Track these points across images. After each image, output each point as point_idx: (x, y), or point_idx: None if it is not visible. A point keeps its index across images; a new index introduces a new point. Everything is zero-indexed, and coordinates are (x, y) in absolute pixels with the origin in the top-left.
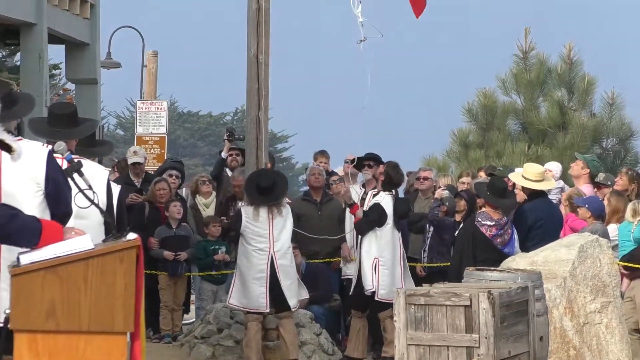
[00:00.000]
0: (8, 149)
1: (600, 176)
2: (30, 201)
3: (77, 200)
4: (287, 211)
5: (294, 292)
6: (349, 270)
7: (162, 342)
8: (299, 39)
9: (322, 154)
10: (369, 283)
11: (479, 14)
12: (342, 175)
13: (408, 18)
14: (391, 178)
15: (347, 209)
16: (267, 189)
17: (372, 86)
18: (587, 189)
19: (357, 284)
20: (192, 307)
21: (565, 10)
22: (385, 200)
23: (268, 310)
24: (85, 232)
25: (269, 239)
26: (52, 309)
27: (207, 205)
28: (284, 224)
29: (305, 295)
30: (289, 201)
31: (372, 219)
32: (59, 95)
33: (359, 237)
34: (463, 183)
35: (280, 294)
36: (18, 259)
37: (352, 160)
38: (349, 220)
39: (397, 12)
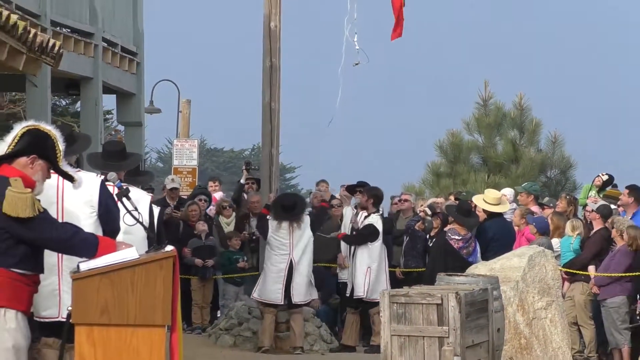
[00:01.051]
0: (71, 179)
1: (545, 199)
2: (86, 221)
3: (126, 219)
4: (305, 225)
5: (302, 291)
6: (344, 275)
7: (194, 333)
8: (304, 90)
9: (323, 181)
10: (360, 290)
11: (447, 68)
12: (340, 197)
13: (385, 72)
14: (376, 197)
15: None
16: (289, 207)
17: (365, 127)
18: (535, 209)
19: (352, 287)
20: None
21: (517, 65)
22: (376, 220)
23: (282, 303)
24: (132, 245)
25: (289, 247)
26: (105, 307)
27: (228, 224)
28: (302, 235)
29: (315, 295)
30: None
31: (365, 235)
32: (111, 135)
33: (353, 249)
34: (437, 204)
35: (289, 291)
36: (78, 266)
37: (347, 188)
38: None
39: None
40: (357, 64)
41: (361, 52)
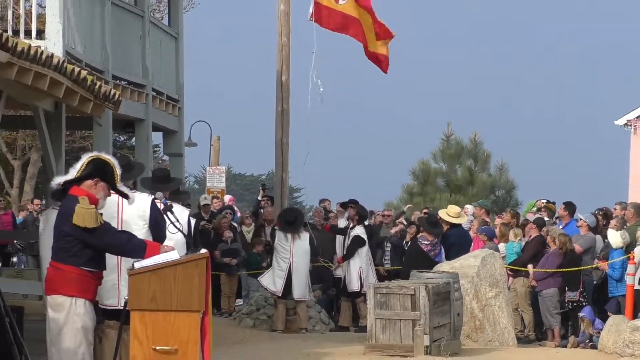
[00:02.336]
0: (126, 196)
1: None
2: (139, 231)
3: (170, 229)
4: (305, 236)
5: (300, 289)
6: (339, 272)
7: (222, 316)
8: (312, 128)
9: (324, 200)
10: (355, 286)
11: (418, 110)
12: (336, 211)
13: (370, 112)
14: (360, 215)
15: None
16: (291, 222)
17: (354, 157)
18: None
19: (345, 282)
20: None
21: (473, 108)
22: (361, 232)
23: (280, 295)
24: (174, 248)
25: (290, 253)
26: (154, 296)
27: (249, 232)
28: (301, 244)
29: (310, 296)
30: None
31: (355, 246)
32: (159, 164)
33: (349, 254)
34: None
35: (290, 284)
36: (133, 265)
37: (341, 204)
38: (338, 240)
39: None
40: (321, 101)
41: (322, 92)
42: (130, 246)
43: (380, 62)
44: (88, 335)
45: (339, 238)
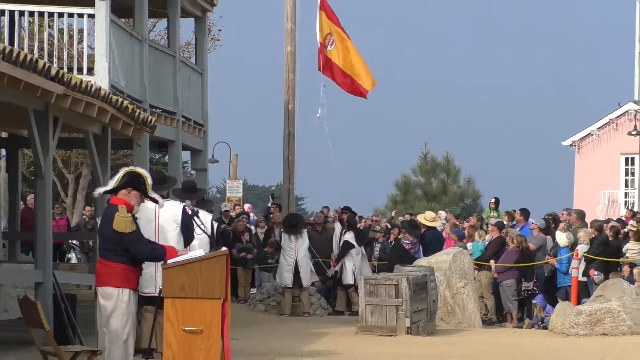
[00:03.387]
0: (156, 201)
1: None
2: (172, 232)
3: (197, 230)
4: (304, 237)
5: (307, 277)
6: (335, 269)
7: (239, 303)
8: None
9: (325, 207)
10: (350, 279)
11: (402, 132)
12: (334, 217)
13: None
14: (350, 222)
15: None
16: (294, 225)
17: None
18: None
19: (340, 276)
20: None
21: (446, 130)
22: (350, 237)
23: (291, 286)
24: (198, 248)
25: (295, 250)
26: (183, 286)
27: (262, 233)
28: (303, 243)
29: (315, 279)
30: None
31: (345, 250)
32: (187, 177)
33: (342, 253)
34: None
35: (299, 278)
36: (166, 261)
37: (338, 211)
38: (335, 241)
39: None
40: (320, 126)
41: (322, 118)
42: (151, 256)
43: (361, 92)
44: (131, 318)
45: (335, 239)
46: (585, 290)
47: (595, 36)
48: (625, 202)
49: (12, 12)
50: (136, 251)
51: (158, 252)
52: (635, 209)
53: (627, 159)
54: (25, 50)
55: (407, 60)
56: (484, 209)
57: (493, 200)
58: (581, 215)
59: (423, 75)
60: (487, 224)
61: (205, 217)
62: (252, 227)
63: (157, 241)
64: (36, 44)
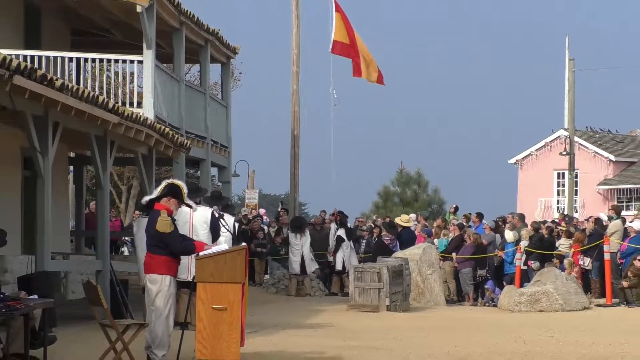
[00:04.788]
0: (190, 207)
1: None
2: (203, 231)
3: (222, 230)
4: (307, 235)
5: (310, 266)
6: (331, 259)
7: (255, 286)
8: (313, 164)
9: (323, 211)
10: (339, 267)
11: (382, 152)
12: (329, 218)
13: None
14: (342, 221)
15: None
16: (299, 226)
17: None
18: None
19: (335, 265)
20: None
21: (419, 151)
22: (342, 232)
23: (299, 274)
24: (224, 243)
25: (300, 246)
26: (212, 273)
27: (273, 232)
28: (306, 240)
29: (316, 266)
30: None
31: (338, 243)
32: (215, 188)
33: (335, 248)
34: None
35: (303, 267)
36: (198, 254)
37: (332, 213)
38: (331, 237)
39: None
40: (335, 105)
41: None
42: (185, 251)
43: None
44: (172, 298)
45: (331, 236)
46: (526, 277)
47: (534, 73)
48: (557, 207)
49: (78, 59)
50: (173, 247)
51: (190, 247)
52: (565, 213)
53: (558, 174)
54: (89, 88)
55: (382, 98)
56: (447, 214)
57: (454, 206)
58: (522, 217)
59: (392, 108)
60: (449, 225)
61: (228, 219)
62: (265, 227)
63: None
64: (97, 84)
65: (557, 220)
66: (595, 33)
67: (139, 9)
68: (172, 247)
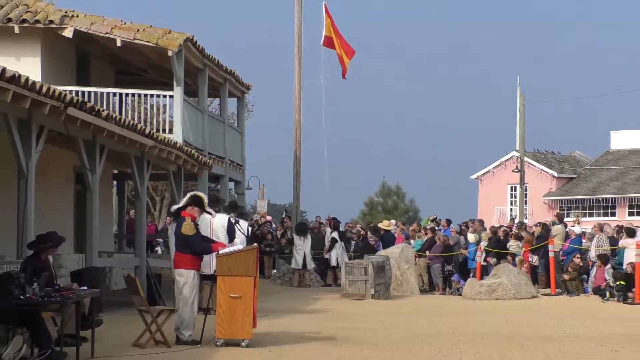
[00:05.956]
0: (211, 214)
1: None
2: (222, 234)
3: (237, 233)
4: (309, 237)
5: (310, 264)
6: (326, 256)
7: (264, 279)
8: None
9: (318, 216)
10: (334, 263)
11: (368, 171)
12: (325, 223)
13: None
14: (335, 226)
15: (327, 243)
16: (302, 230)
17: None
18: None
19: (330, 262)
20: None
21: (399, 168)
22: (335, 235)
23: (301, 268)
24: (239, 244)
25: (302, 246)
26: (229, 268)
27: (280, 235)
28: (308, 242)
29: (313, 265)
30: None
31: (332, 243)
32: (232, 198)
33: (330, 247)
34: (362, 226)
35: (304, 263)
36: (218, 251)
37: (327, 219)
38: (327, 239)
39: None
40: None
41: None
42: (204, 251)
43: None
44: (196, 288)
45: (326, 238)
46: (485, 271)
47: (491, 105)
48: (510, 215)
49: (121, 94)
50: (194, 247)
51: (208, 248)
52: (516, 220)
53: (511, 187)
54: (129, 118)
55: (369, 122)
56: (422, 219)
57: (433, 217)
58: (482, 223)
59: (377, 131)
60: (423, 228)
61: (243, 224)
62: (272, 231)
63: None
64: (136, 114)
65: (510, 225)
66: (544, 70)
67: (170, 53)
68: (193, 247)
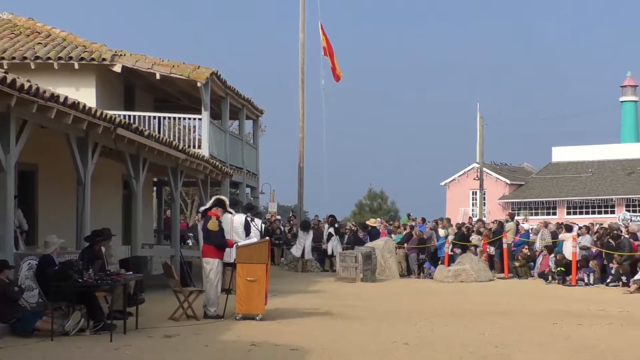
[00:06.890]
0: (232, 213)
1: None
2: (240, 230)
3: (253, 229)
4: (311, 233)
5: (310, 254)
6: (324, 247)
7: (274, 265)
8: (313, 187)
9: (316, 215)
10: (330, 252)
11: (359, 179)
12: (324, 220)
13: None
14: (332, 222)
15: (325, 237)
16: (306, 226)
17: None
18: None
19: (327, 251)
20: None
21: (383, 175)
22: (332, 231)
23: (302, 257)
24: (254, 237)
25: (304, 240)
26: (247, 257)
27: (287, 230)
28: (310, 236)
29: (311, 255)
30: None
31: (330, 236)
32: (248, 201)
33: (327, 240)
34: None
35: (303, 253)
36: (237, 243)
37: (326, 217)
38: (325, 234)
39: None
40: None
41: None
42: (221, 244)
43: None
44: (220, 273)
45: (325, 233)
46: (452, 259)
47: (456, 124)
48: (472, 214)
49: (159, 117)
50: (215, 240)
51: (224, 243)
52: (476, 219)
53: (473, 192)
54: (166, 136)
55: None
56: (402, 218)
57: (410, 215)
58: (449, 220)
59: (367, 144)
60: (403, 225)
61: (257, 222)
62: (281, 227)
63: (231, 236)
64: (171, 133)
65: (471, 223)
66: (500, 92)
67: (199, 84)
68: (214, 240)
